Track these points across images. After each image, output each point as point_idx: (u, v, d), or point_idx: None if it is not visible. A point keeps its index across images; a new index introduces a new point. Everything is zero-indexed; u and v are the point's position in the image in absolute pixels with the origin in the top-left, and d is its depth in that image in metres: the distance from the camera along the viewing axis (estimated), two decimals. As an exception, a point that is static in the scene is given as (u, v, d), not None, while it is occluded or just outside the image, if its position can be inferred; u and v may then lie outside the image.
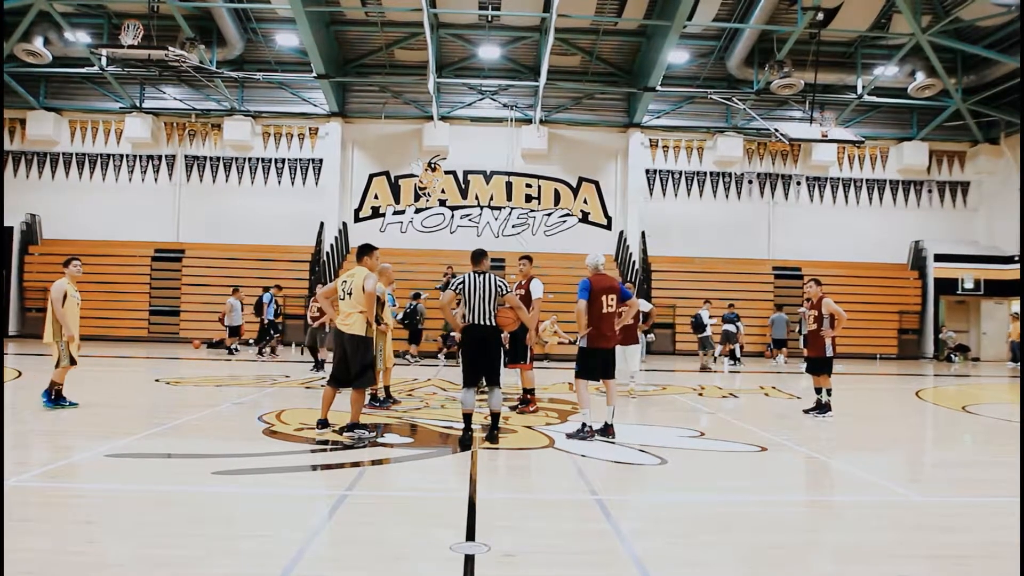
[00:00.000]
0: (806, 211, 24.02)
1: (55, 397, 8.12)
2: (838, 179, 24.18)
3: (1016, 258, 21.88)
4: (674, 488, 5.63)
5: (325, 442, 6.74)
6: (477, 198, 23.64)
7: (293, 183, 23.35)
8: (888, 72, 20.83)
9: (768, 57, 20.39)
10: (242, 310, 17.91)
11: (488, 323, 6.76)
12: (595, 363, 7.21)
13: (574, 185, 23.77)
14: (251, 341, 18.57)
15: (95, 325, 19.16)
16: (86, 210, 22.70)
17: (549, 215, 23.65)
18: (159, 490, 5.07)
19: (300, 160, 23.38)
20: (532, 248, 20.38)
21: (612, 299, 7.31)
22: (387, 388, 9.24)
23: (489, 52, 21.71)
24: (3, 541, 3.12)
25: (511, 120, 23.16)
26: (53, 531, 4.08)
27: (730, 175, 23.94)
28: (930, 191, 24.24)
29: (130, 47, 15.37)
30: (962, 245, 23.41)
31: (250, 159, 23.34)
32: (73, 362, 8.16)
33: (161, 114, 23.13)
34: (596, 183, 23.81)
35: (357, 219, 23.56)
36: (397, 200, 23.60)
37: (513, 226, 23.55)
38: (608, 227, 23.72)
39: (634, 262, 22.33)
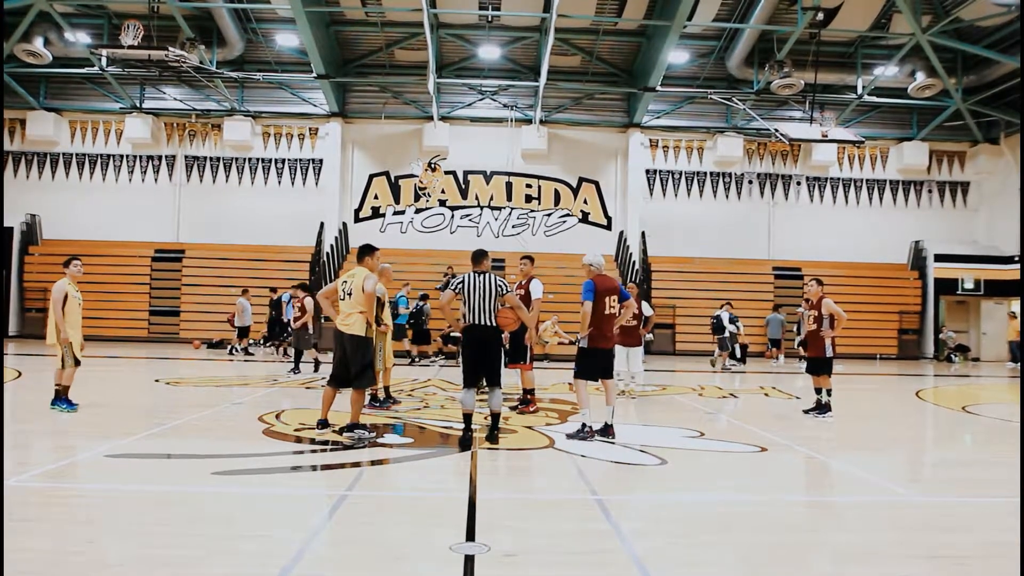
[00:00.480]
0: (806, 211, 24.02)
1: (62, 398, 8.06)
2: (838, 179, 24.18)
3: (1016, 258, 21.88)
4: (674, 488, 5.62)
5: (325, 442, 6.74)
6: (477, 198, 23.64)
7: (293, 183, 23.36)
8: (888, 72, 20.83)
9: (768, 57, 20.39)
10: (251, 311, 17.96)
11: (488, 323, 6.76)
12: (595, 363, 7.20)
13: (574, 185, 23.78)
14: (262, 340, 18.59)
15: (95, 325, 19.14)
16: (86, 210, 22.70)
17: (549, 215, 23.66)
18: (159, 490, 5.07)
19: (300, 160, 23.38)
20: (532, 248, 20.38)
21: (614, 300, 7.31)
22: (387, 388, 9.23)
23: (489, 52, 21.71)
24: (3, 541, 3.12)
25: (511, 120, 23.16)
26: (53, 531, 4.08)
27: (730, 175, 23.95)
28: (930, 191, 24.25)
29: (130, 47, 15.37)
30: (962, 245, 23.41)
31: (250, 159, 23.34)
32: (77, 363, 8.15)
33: (161, 114, 23.13)
34: (596, 183, 23.81)
35: (357, 219, 23.56)
36: (397, 200, 23.60)
37: (513, 226, 23.55)
38: (608, 227, 23.72)
39: (634, 262, 22.33)
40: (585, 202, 23.79)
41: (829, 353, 9.15)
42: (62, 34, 19.78)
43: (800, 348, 18.95)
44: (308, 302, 13.26)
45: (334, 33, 21.34)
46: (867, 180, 24.18)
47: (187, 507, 4.69)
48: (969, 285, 22.96)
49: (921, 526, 4.67)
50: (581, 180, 23.79)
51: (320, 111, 23.12)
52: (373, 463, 6.07)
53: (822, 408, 9.20)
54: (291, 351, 15.77)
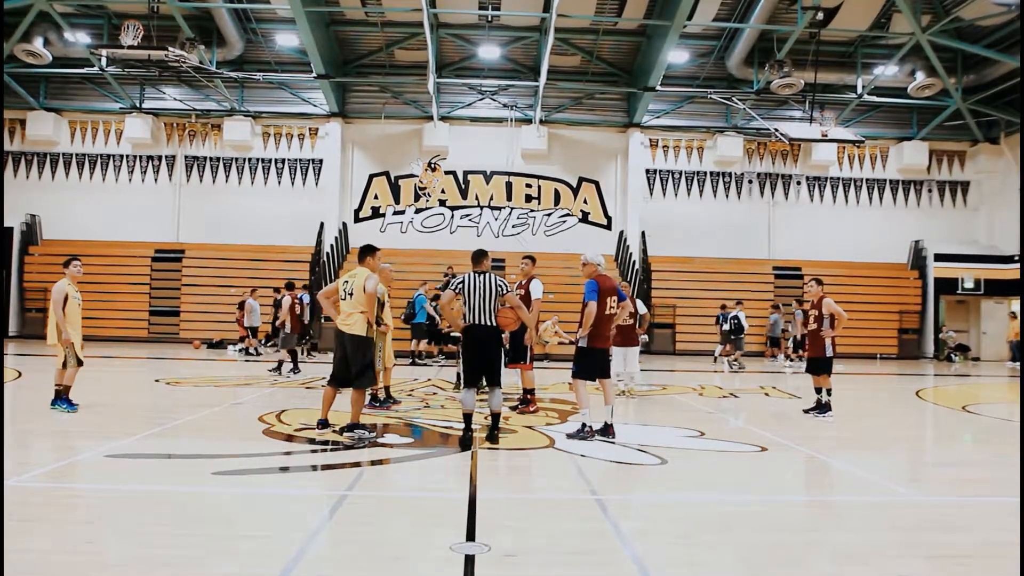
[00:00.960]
0: (806, 211, 24.02)
1: (62, 398, 8.05)
2: (838, 179, 24.19)
3: (1016, 258, 21.87)
4: (674, 488, 5.62)
5: (325, 442, 6.74)
6: (477, 198, 23.64)
7: (293, 183, 23.36)
8: (888, 72, 20.83)
9: (768, 57, 20.39)
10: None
11: (488, 323, 6.76)
12: (593, 363, 7.21)
13: (574, 185, 23.78)
14: (264, 340, 18.58)
15: (95, 325, 19.14)
16: (86, 210, 22.70)
17: (549, 215, 23.66)
18: (159, 490, 5.07)
19: (300, 160, 23.39)
20: (532, 248, 20.37)
21: (614, 300, 7.33)
22: (387, 388, 9.23)
23: (489, 52, 21.71)
24: (3, 541, 3.12)
25: (511, 120, 23.16)
26: (53, 531, 4.08)
27: (730, 175, 23.95)
28: (930, 191, 24.25)
29: (130, 47, 15.36)
30: (962, 245, 23.41)
31: (250, 159, 23.34)
32: (80, 363, 8.14)
33: (161, 114, 23.13)
34: (596, 183, 23.81)
35: (357, 219, 23.57)
36: (397, 200, 23.60)
37: (513, 226, 23.55)
38: (608, 227, 23.72)
39: (634, 262, 22.33)
40: (585, 202, 23.79)
41: (829, 353, 9.15)
42: (62, 34, 19.78)
43: (790, 348, 18.92)
44: (285, 301, 13.07)
45: (334, 33, 21.34)
46: (867, 180, 24.18)
47: (187, 507, 4.69)
48: (969, 285, 22.96)
49: (921, 526, 4.67)
50: (581, 180, 23.79)
51: (320, 111, 23.12)
52: (373, 463, 6.07)
53: (822, 408, 9.20)
54: (308, 352, 15.81)
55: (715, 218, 23.74)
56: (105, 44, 18.17)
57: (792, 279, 22.48)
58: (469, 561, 3.70)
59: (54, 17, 18.98)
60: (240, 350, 18.12)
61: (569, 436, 7.16)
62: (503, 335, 7.50)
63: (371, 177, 23.67)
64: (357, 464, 5.98)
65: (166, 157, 23.30)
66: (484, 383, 6.99)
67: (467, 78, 22.79)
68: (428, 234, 23.47)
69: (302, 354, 17.25)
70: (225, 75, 20.82)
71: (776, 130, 18.79)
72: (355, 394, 6.92)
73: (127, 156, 23.25)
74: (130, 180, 23.24)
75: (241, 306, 18.31)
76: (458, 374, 10.47)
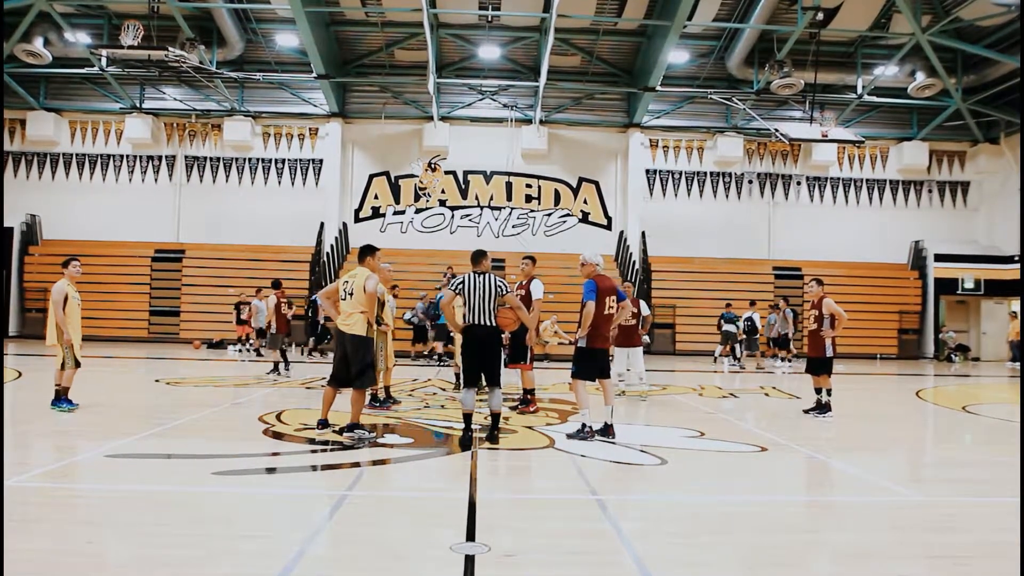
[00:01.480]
0: (806, 211, 24.03)
1: (62, 398, 8.05)
2: (838, 179, 24.19)
3: (1016, 258, 21.87)
4: (674, 488, 5.62)
5: (325, 442, 6.74)
6: (477, 198, 23.65)
7: (293, 183, 23.36)
8: (888, 72, 20.83)
9: (768, 57, 20.40)
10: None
11: (488, 323, 6.76)
12: (593, 364, 7.20)
13: (574, 185, 23.78)
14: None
15: (95, 325, 19.15)
16: (86, 210, 22.71)
17: (549, 215, 23.66)
18: (159, 490, 5.07)
19: (300, 160, 23.39)
20: (532, 248, 20.37)
21: (613, 300, 7.32)
22: (387, 388, 9.23)
23: (489, 52, 21.71)
24: (3, 541, 3.12)
25: (511, 120, 23.16)
26: (53, 531, 4.08)
27: (730, 175, 23.95)
28: (930, 191, 24.25)
29: (130, 47, 15.38)
30: (962, 245, 23.41)
31: (250, 159, 23.35)
32: (77, 364, 8.14)
33: (161, 114, 23.13)
34: (596, 183, 23.82)
35: (357, 219, 23.57)
36: (397, 200, 23.61)
37: (513, 226, 23.55)
38: (608, 227, 23.73)
39: (634, 262, 22.33)
40: (585, 202, 23.79)
41: (829, 353, 9.15)
42: (62, 34, 19.79)
43: (774, 347, 18.79)
44: (270, 301, 12.96)
45: (334, 33, 21.35)
46: (867, 180, 24.19)
47: (187, 507, 4.69)
48: (969, 285, 22.96)
49: (921, 526, 4.67)
50: (581, 180, 23.79)
51: (320, 111, 23.12)
52: (373, 463, 6.07)
53: (822, 408, 9.20)
54: (323, 353, 15.73)
55: (715, 218, 23.74)
56: (105, 44, 18.18)
57: (792, 279, 22.49)
58: (469, 561, 3.70)
59: (54, 17, 18.99)
60: (239, 350, 18.10)
61: (569, 436, 7.16)
62: (503, 335, 7.50)
63: (371, 177, 23.67)
64: (357, 464, 5.98)
65: (166, 157, 23.30)
66: (484, 383, 6.99)
67: (467, 78, 22.79)
68: (428, 234, 23.47)
69: (307, 353, 17.27)
70: (225, 75, 20.82)
71: (776, 130, 18.80)
72: (355, 394, 6.91)
73: (127, 156, 23.26)
74: (130, 180, 23.25)
75: (238, 307, 18.25)
76: (457, 374, 10.47)
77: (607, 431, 7.11)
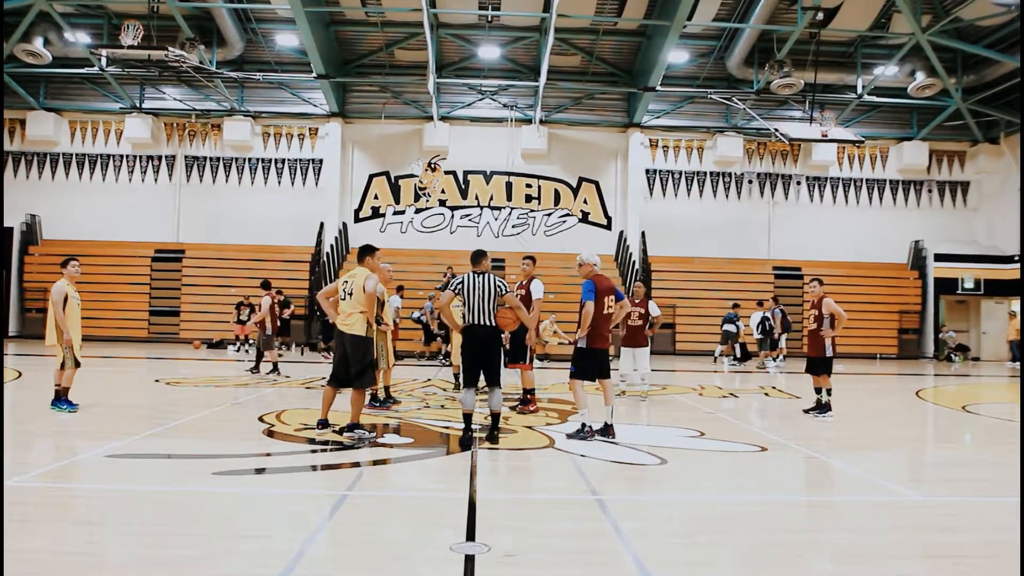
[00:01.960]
0: (806, 211, 24.03)
1: (62, 398, 8.05)
2: (838, 179, 24.19)
3: (1016, 258, 21.88)
4: (674, 488, 5.63)
5: (325, 442, 6.74)
6: (477, 198, 23.64)
7: (293, 183, 23.36)
8: (888, 72, 20.83)
9: (768, 57, 20.39)
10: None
11: (488, 323, 6.77)
12: (592, 364, 7.20)
13: (574, 185, 23.78)
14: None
15: (95, 325, 19.16)
16: (86, 210, 22.70)
17: (549, 215, 23.66)
18: (159, 490, 5.07)
19: (300, 160, 23.39)
20: (532, 248, 20.37)
21: (611, 300, 7.32)
22: (387, 388, 9.23)
23: (489, 52, 21.71)
24: (3, 541, 3.12)
25: (511, 120, 23.16)
26: (53, 531, 4.08)
27: (730, 175, 23.95)
28: (930, 191, 24.25)
29: (130, 47, 15.37)
30: (962, 245, 23.41)
31: (250, 159, 23.34)
32: (77, 364, 8.14)
33: (161, 114, 23.13)
34: (596, 183, 23.81)
35: (357, 219, 23.57)
36: (397, 200, 23.60)
37: (513, 226, 23.55)
38: (608, 227, 23.73)
39: (634, 262, 22.33)
40: (585, 202, 23.79)
41: (829, 353, 9.15)
42: (62, 34, 19.78)
43: (761, 348, 18.70)
44: (265, 301, 12.72)
45: (334, 33, 21.34)
46: (867, 180, 24.18)
47: (187, 507, 4.69)
48: (969, 285, 22.96)
49: (921, 526, 4.67)
50: (581, 180, 23.79)
51: (320, 111, 23.12)
52: (373, 463, 6.07)
53: (822, 408, 9.20)
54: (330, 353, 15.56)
55: (715, 218, 23.73)
56: (105, 44, 18.17)
57: (792, 279, 22.50)
58: (469, 561, 3.70)
59: (54, 17, 18.98)
60: (237, 349, 18.08)
61: (569, 436, 7.16)
62: (503, 335, 7.50)
63: (371, 177, 23.67)
64: (357, 464, 5.98)
65: (166, 157, 23.30)
66: (484, 383, 6.99)
67: (467, 78, 22.79)
68: (428, 234, 23.47)
69: (324, 352, 17.22)
70: (225, 75, 20.82)
71: (776, 130, 18.80)
72: (355, 394, 6.91)
73: (127, 156, 23.25)
74: (130, 180, 23.25)
75: (238, 307, 18.26)
76: (456, 375, 10.47)
77: (607, 431, 7.11)
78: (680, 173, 23.89)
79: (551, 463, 6.31)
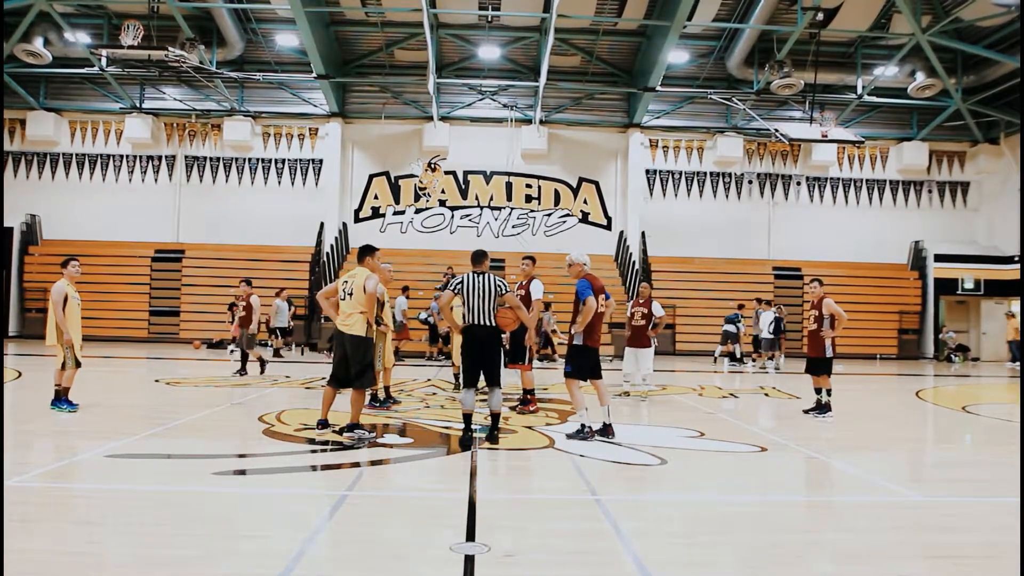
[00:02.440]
0: (806, 211, 24.03)
1: (62, 398, 8.04)
2: (838, 179, 24.19)
3: (1016, 258, 21.88)
4: (674, 488, 5.63)
5: (325, 442, 6.74)
6: (477, 198, 23.64)
7: (293, 183, 23.36)
8: (888, 72, 20.83)
9: (768, 57, 20.39)
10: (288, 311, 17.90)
11: (488, 323, 6.77)
12: (586, 363, 7.22)
13: (574, 185, 23.78)
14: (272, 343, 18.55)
15: (95, 325, 19.15)
16: (86, 210, 22.70)
17: (549, 215, 23.66)
18: (159, 490, 5.07)
19: (300, 160, 23.39)
20: (532, 248, 20.37)
21: (603, 299, 7.37)
22: (387, 388, 9.23)
23: (489, 52, 21.71)
24: (3, 541, 3.12)
25: (511, 120, 23.16)
26: (53, 531, 4.08)
27: (730, 175, 23.95)
28: (930, 191, 24.25)
29: (130, 47, 15.37)
30: (962, 245, 23.42)
31: (250, 159, 23.35)
32: (78, 364, 8.13)
33: (161, 114, 23.13)
34: (596, 183, 23.82)
35: (357, 219, 23.57)
36: (397, 200, 23.60)
37: (513, 226, 23.55)
38: (608, 227, 23.73)
39: (634, 262, 22.33)
40: (585, 202, 23.79)
41: (829, 353, 9.15)
42: (62, 34, 19.78)
43: (754, 348, 18.68)
44: (255, 300, 12.37)
45: (334, 33, 21.34)
46: (867, 180, 24.19)
47: (187, 507, 4.69)
48: (969, 285, 22.97)
49: (921, 526, 4.67)
50: (581, 180, 23.79)
51: (320, 111, 23.12)
52: (373, 463, 6.07)
53: (822, 408, 9.20)
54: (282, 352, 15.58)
55: (715, 218, 23.74)
56: (105, 44, 18.17)
57: (792, 279, 22.51)
58: (469, 561, 3.70)
59: (54, 17, 18.98)
60: (232, 351, 18.01)
61: (569, 436, 7.16)
62: (503, 335, 7.50)
63: (371, 177, 23.67)
64: (357, 464, 5.98)
65: (166, 157, 23.30)
66: (484, 383, 6.99)
67: (467, 78, 22.79)
68: (428, 234, 23.47)
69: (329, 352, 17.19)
70: (225, 75, 20.82)
71: (776, 130, 18.80)
72: (355, 394, 6.91)
73: (127, 156, 23.26)
74: (130, 180, 23.25)
75: (231, 307, 18.10)
76: (456, 375, 10.47)
77: (606, 431, 7.11)
78: (680, 173, 23.89)
79: (551, 463, 6.31)
